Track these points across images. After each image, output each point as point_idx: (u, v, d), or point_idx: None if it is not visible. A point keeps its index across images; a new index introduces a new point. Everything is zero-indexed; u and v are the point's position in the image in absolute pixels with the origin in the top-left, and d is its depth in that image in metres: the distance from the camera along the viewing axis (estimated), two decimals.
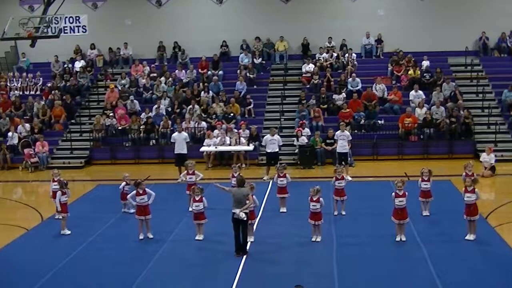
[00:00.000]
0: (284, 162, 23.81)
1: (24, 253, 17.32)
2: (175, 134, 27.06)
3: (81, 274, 15.49)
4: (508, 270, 15.06)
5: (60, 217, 18.99)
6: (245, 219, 16.21)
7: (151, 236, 18.07)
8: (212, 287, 14.43)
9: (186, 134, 27.31)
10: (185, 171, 22.05)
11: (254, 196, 17.14)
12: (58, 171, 21.20)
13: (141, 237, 18.04)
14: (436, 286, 14.02)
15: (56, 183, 20.09)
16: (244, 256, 16.21)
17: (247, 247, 16.61)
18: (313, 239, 17.39)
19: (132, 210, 20.35)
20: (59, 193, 18.84)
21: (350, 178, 20.82)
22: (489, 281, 14.37)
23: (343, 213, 19.99)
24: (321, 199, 17.30)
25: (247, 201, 16.37)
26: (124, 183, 20.74)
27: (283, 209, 20.62)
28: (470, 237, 17.10)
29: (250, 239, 17.16)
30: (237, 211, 16.11)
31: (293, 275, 13.99)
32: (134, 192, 18.09)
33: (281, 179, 20.67)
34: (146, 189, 18.12)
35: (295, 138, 29.41)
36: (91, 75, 36.51)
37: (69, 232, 18.77)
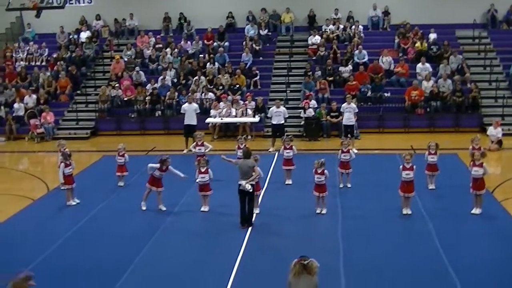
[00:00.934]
0: (290, 134, 23.75)
1: (30, 224, 17.35)
2: (185, 105, 27.10)
3: (86, 245, 15.52)
4: None
5: (65, 188, 18.98)
6: (250, 190, 16.18)
7: (164, 208, 18.04)
8: (217, 259, 14.43)
9: (196, 105, 27.38)
10: (194, 143, 22.06)
11: (258, 168, 17.11)
12: (64, 142, 21.17)
13: (143, 207, 18.05)
14: (442, 259, 13.99)
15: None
16: (249, 228, 16.21)
17: (253, 219, 16.61)
18: (318, 211, 17.38)
19: (121, 183, 20.47)
20: (62, 164, 18.78)
21: (356, 151, 20.78)
22: (494, 254, 14.34)
23: (349, 185, 19.98)
24: (325, 171, 17.28)
25: (253, 173, 16.32)
26: (117, 153, 20.80)
27: (289, 181, 20.60)
28: (476, 211, 17.05)
29: (256, 211, 17.15)
30: (243, 182, 16.08)
31: (298, 247, 13.98)
32: (158, 165, 17.96)
33: (287, 151, 20.62)
34: (170, 167, 18.06)
35: (302, 110, 29.30)
36: (96, 45, 36.34)
37: (75, 202, 18.78)
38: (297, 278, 9.48)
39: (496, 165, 24.15)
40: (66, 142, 21.39)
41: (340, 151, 19.93)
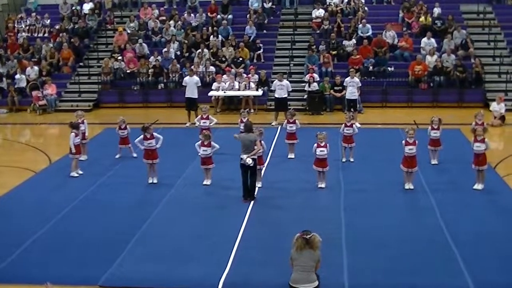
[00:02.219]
0: (293, 108, 23.70)
1: (32, 196, 17.41)
2: (187, 78, 27.09)
3: (90, 217, 15.58)
4: None
5: (72, 157, 19.01)
6: (252, 165, 16.15)
7: (155, 181, 18.11)
8: (220, 232, 14.47)
9: (198, 78, 27.27)
10: (199, 116, 22.04)
11: (262, 141, 17.13)
12: (83, 113, 21.17)
13: (150, 181, 18.10)
14: (443, 234, 14.04)
15: (81, 124, 20.15)
16: (252, 202, 16.25)
17: (255, 193, 16.63)
18: (319, 186, 17.42)
19: (135, 154, 20.42)
20: (72, 134, 18.86)
21: (358, 125, 20.77)
22: (496, 230, 14.38)
23: (352, 160, 20.00)
24: (328, 144, 17.31)
25: (255, 147, 16.29)
26: (117, 126, 20.80)
27: (292, 155, 20.60)
28: (478, 186, 17.07)
29: (258, 184, 17.15)
30: (244, 156, 16.07)
31: (300, 220, 14.03)
32: (142, 136, 18.08)
33: (291, 125, 20.59)
34: (154, 133, 18.08)
35: (306, 84, 29.10)
36: (99, 18, 36.15)
37: (77, 174, 18.83)
38: (299, 252, 9.52)
39: (499, 141, 24.13)
40: (69, 114, 21.38)
41: (343, 125, 19.91)
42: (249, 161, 16.08)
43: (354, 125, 20.09)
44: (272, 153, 20.68)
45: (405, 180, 17.28)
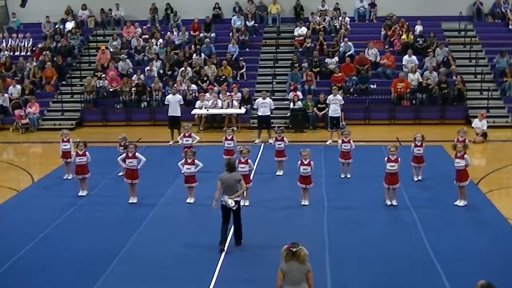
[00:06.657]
0: (282, 126, 23.79)
1: (15, 215, 17.33)
2: (169, 96, 27.10)
3: (73, 236, 15.52)
4: (498, 235, 15.17)
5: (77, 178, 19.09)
6: (235, 208, 14.41)
7: (135, 201, 18.03)
8: (203, 250, 14.43)
9: (180, 97, 27.30)
10: (182, 134, 22.04)
11: (249, 160, 17.27)
12: (68, 132, 21.12)
13: (130, 200, 18.03)
14: (426, 250, 14.10)
15: (65, 143, 20.30)
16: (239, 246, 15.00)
17: (242, 238, 14.90)
18: (303, 203, 17.47)
19: (121, 173, 20.36)
20: (74, 154, 19.05)
21: (340, 142, 20.86)
22: (478, 246, 14.45)
23: (349, 176, 20.28)
24: (311, 162, 17.35)
25: (240, 187, 14.64)
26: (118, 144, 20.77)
27: (280, 172, 20.73)
28: (460, 203, 17.14)
29: (246, 203, 16.93)
30: (226, 198, 14.33)
31: (284, 237, 13.94)
32: (124, 155, 18.07)
33: (279, 142, 20.77)
34: (137, 153, 18.01)
35: (291, 102, 29.10)
36: (81, 36, 36.08)
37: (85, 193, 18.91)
38: (287, 263, 9.67)
39: (481, 157, 24.29)
40: (52, 133, 21.32)
41: (341, 141, 20.33)
42: (232, 203, 14.24)
43: (351, 141, 20.30)
44: (256, 171, 20.67)
45: (386, 197, 17.36)
